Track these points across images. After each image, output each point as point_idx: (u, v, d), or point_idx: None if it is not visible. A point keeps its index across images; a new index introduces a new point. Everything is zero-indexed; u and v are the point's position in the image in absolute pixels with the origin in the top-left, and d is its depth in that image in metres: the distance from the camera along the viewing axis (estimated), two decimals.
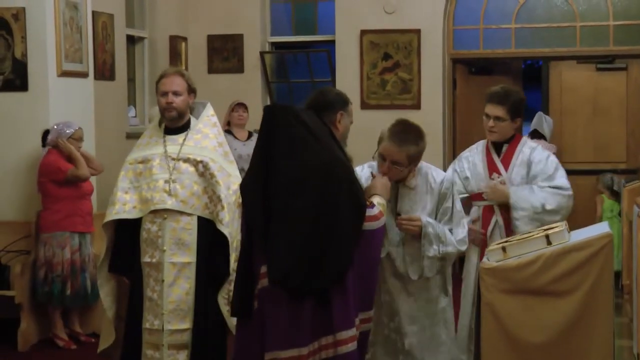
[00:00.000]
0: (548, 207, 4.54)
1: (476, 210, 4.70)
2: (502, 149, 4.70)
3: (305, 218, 3.40)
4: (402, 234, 3.98)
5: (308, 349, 3.44)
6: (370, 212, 3.58)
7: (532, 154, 4.65)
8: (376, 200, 3.74)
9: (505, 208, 4.60)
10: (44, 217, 6.47)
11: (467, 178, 4.72)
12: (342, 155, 3.56)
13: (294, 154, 3.45)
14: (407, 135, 3.89)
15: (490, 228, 4.63)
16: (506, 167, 4.66)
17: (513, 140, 4.70)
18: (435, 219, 4.02)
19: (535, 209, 4.53)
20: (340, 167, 3.50)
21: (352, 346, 3.49)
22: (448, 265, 4.10)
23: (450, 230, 4.01)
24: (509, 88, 4.77)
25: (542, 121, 8.24)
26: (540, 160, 4.63)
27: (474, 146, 4.86)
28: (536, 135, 8.03)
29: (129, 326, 4.52)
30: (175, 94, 4.44)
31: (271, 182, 3.46)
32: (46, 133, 6.57)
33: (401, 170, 3.91)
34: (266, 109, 3.59)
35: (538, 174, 4.60)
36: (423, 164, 4.06)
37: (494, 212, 4.64)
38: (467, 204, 4.65)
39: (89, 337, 6.62)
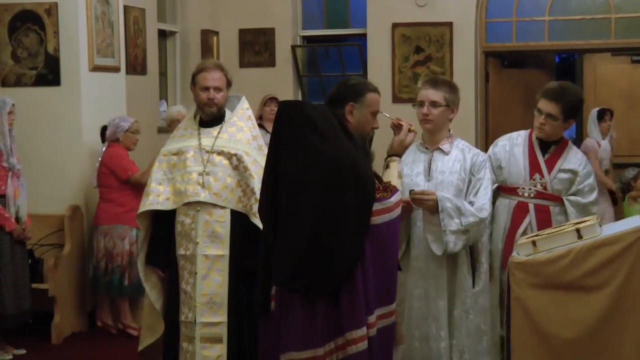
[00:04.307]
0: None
1: (506, 205, 4.43)
2: (548, 149, 4.42)
3: (306, 219, 3.34)
4: (419, 211, 4.01)
5: (324, 349, 3.40)
6: (384, 204, 3.48)
7: (582, 165, 4.39)
8: (393, 167, 3.73)
9: (541, 207, 4.35)
10: (104, 209, 6.55)
11: (500, 167, 4.45)
12: (350, 148, 3.44)
13: (296, 154, 3.39)
14: (441, 81, 4.23)
15: (521, 230, 4.35)
16: (549, 170, 4.39)
17: (561, 143, 4.43)
18: (467, 191, 4.07)
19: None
20: (345, 159, 3.38)
21: (362, 346, 3.40)
22: (473, 240, 4.06)
23: (471, 203, 4.04)
24: (568, 86, 4.43)
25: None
26: (588, 174, 4.38)
27: (513, 135, 4.54)
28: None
29: (167, 319, 4.54)
30: (217, 89, 4.45)
31: (278, 184, 3.44)
32: (104, 129, 6.69)
33: (441, 110, 4.11)
34: (277, 108, 3.57)
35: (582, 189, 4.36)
36: (461, 140, 4.23)
37: (528, 210, 4.38)
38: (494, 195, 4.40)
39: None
